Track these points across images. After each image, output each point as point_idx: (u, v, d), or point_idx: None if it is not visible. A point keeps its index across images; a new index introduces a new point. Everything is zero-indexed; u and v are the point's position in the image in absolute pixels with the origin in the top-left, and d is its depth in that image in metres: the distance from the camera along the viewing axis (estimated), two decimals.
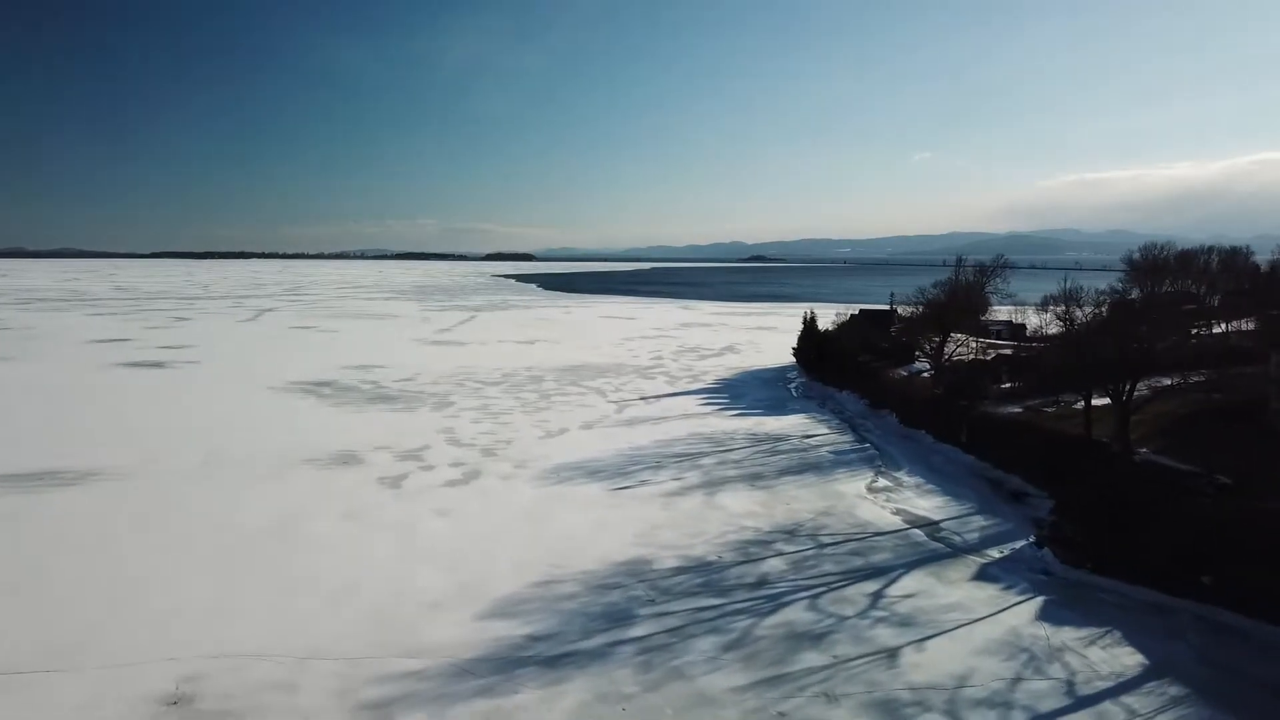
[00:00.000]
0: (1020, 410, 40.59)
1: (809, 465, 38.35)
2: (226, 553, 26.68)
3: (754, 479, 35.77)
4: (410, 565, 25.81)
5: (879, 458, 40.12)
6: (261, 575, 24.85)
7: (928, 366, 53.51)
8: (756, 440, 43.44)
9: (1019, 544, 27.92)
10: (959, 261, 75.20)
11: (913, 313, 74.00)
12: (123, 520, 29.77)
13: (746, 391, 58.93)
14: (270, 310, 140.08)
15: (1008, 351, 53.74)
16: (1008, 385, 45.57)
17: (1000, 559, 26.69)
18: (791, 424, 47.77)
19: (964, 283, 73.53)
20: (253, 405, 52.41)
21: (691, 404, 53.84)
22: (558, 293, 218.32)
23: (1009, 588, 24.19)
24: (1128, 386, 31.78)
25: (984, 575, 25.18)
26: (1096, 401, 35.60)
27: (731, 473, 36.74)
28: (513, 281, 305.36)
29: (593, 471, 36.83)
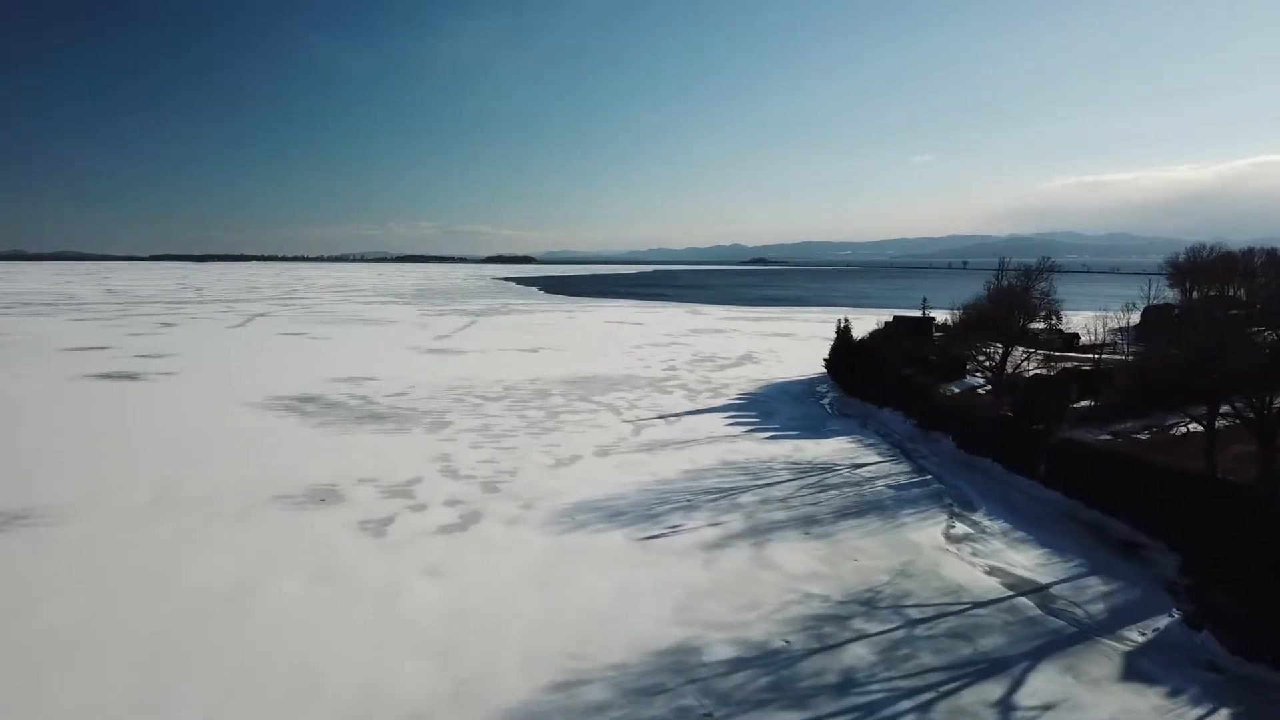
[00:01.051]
0: (1109, 437, 34.92)
1: (868, 504, 32.59)
2: (159, 633, 20.96)
3: (807, 524, 30.02)
4: (390, 653, 20.09)
5: (946, 493, 34.38)
6: (198, 667, 19.14)
7: (983, 382, 47.83)
8: (799, 470, 37.68)
9: (1161, 621, 22.18)
10: (1002, 264, 69.61)
11: (956, 320, 68.58)
12: (37, 585, 24.03)
13: (776, 408, 53.15)
14: (261, 315, 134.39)
15: (1076, 365, 47.99)
16: (1082, 404, 39.92)
17: (1145, 644, 20.94)
18: (835, 449, 41.99)
19: (1010, 287, 68.03)
20: (226, 425, 46.65)
21: (717, 424, 48.10)
22: (560, 296, 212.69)
23: (1176, 693, 18.45)
24: (1269, 406, 25.89)
25: (1135, 672, 19.42)
26: (1194, 427, 30.02)
27: (779, 515, 30.98)
28: (513, 284, 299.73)
29: (614, 513, 31.08)
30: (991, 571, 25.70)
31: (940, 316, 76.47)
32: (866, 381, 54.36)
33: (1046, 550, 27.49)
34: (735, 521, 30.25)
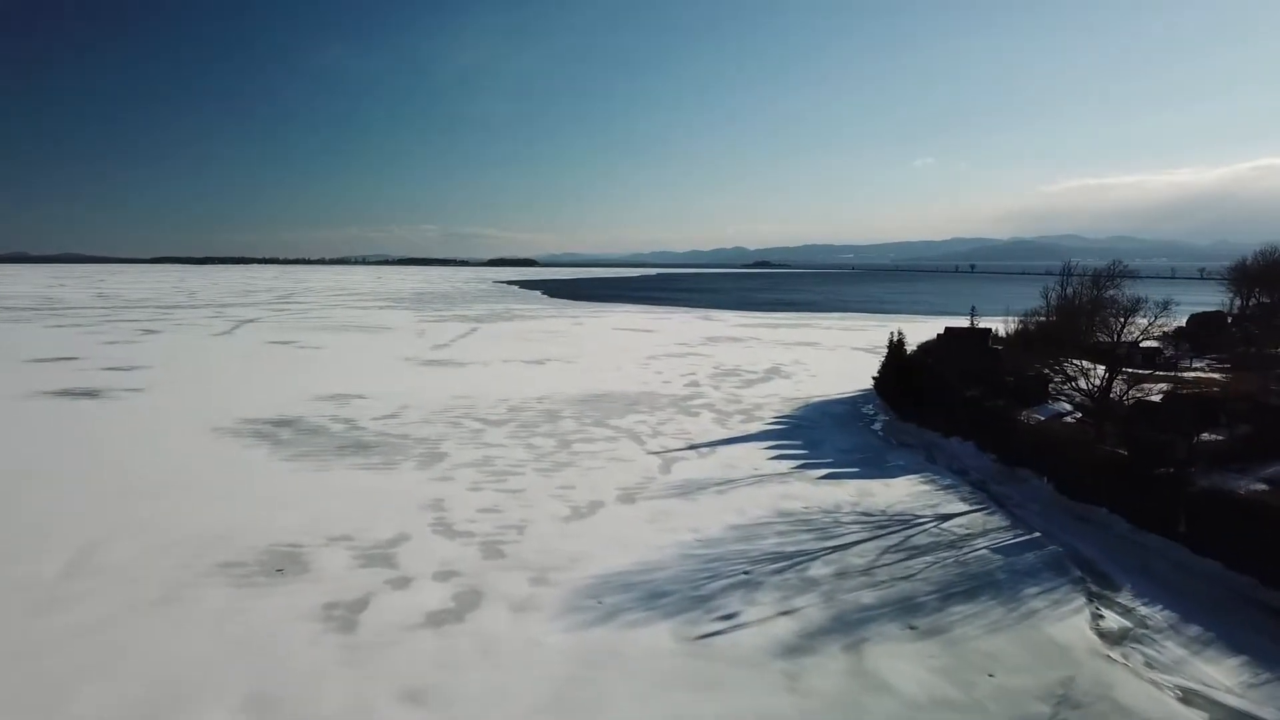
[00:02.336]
0: (1265, 486, 27.83)
1: (975, 577, 25.50)
2: None
3: (907, 610, 22.94)
4: None
5: (1067, 559, 27.27)
6: None
7: (1070, 408, 40.75)
8: (873, 524, 30.59)
9: None
10: (1066, 269, 62.59)
11: (1015, 331, 61.53)
12: None
13: (823, 436, 46.03)
14: (251, 321, 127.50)
15: (1180, 388, 40.88)
16: (1210, 439, 32.87)
17: None
18: (908, 492, 34.90)
19: (1077, 297, 60.97)
20: (183, 459, 39.63)
21: (759, 456, 41.00)
22: (564, 300, 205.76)
23: None
24: None
25: None
26: None
27: (867, 596, 23.90)
28: (516, 288, 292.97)
29: (652, 594, 24.02)
30: (1187, 699, 18.60)
31: (988, 323, 69.49)
32: (926, 405, 47.26)
33: (1244, 659, 20.39)
34: (813, 606, 23.16)
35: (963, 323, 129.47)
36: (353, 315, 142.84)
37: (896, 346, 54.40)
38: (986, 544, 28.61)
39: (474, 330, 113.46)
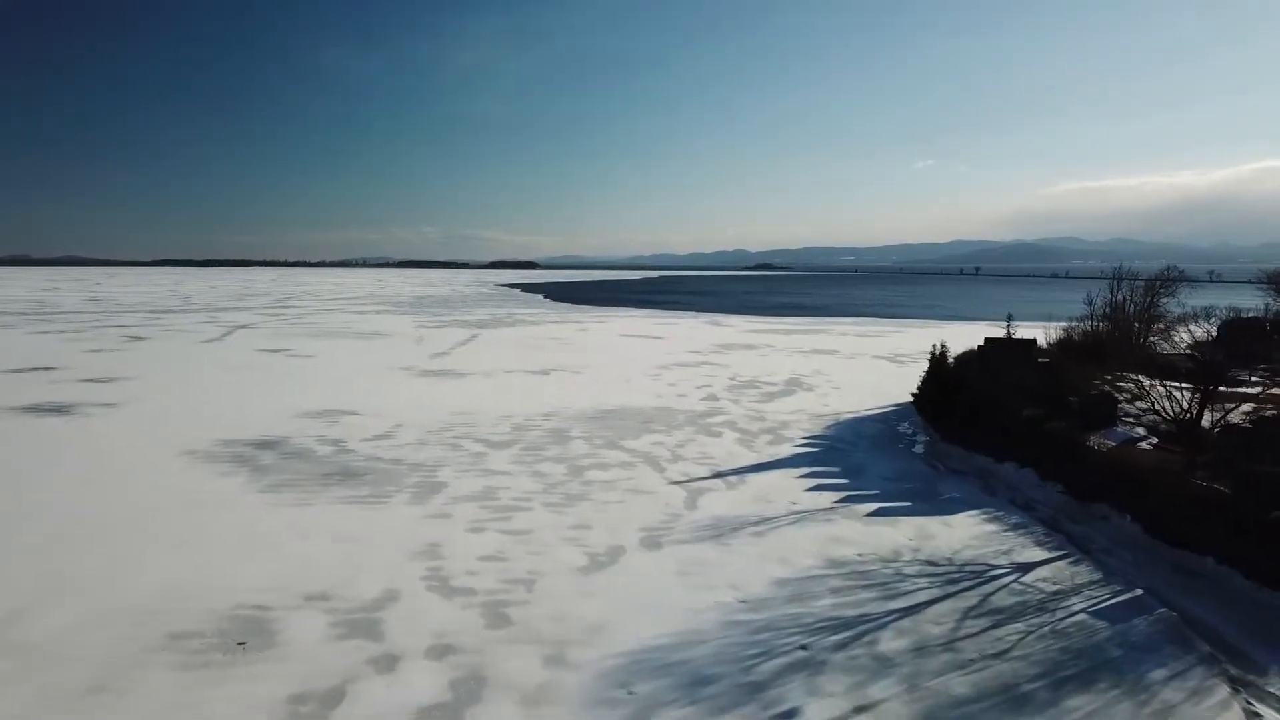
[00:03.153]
0: None
1: (1084, 655, 21.01)
2: None
3: (1013, 705, 18.45)
4: None
5: (1183, 624, 22.80)
6: None
7: (1143, 432, 36.25)
8: (943, 576, 26.10)
9: None
10: (1119, 274, 58.15)
11: (1064, 341, 57.11)
12: None
13: (862, 460, 41.53)
14: (244, 327, 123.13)
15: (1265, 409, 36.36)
16: None
17: None
18: (973, 533, 30.41)
19: (1129, 304, 56.59)
20: (144, 493, 35.18)
21: (794, 485, 36.52)
22: (567, 304, 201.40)
23: None
24: None
25: None
26: None
27: (959, 685, 19.41)
28: (517, 291, 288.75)
29: (692, 680, 19.54)
30: None
31: (1023, 330, 64.92)
32: (975, 425, 42.75)
33: None
34: (894, 700, 18.68)
35: (984, 329, 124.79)
36: (349, 320, 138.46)
37: (938, 360, 49.87)
38: (1083, 605, 24.12)
39: (474, 337, 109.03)
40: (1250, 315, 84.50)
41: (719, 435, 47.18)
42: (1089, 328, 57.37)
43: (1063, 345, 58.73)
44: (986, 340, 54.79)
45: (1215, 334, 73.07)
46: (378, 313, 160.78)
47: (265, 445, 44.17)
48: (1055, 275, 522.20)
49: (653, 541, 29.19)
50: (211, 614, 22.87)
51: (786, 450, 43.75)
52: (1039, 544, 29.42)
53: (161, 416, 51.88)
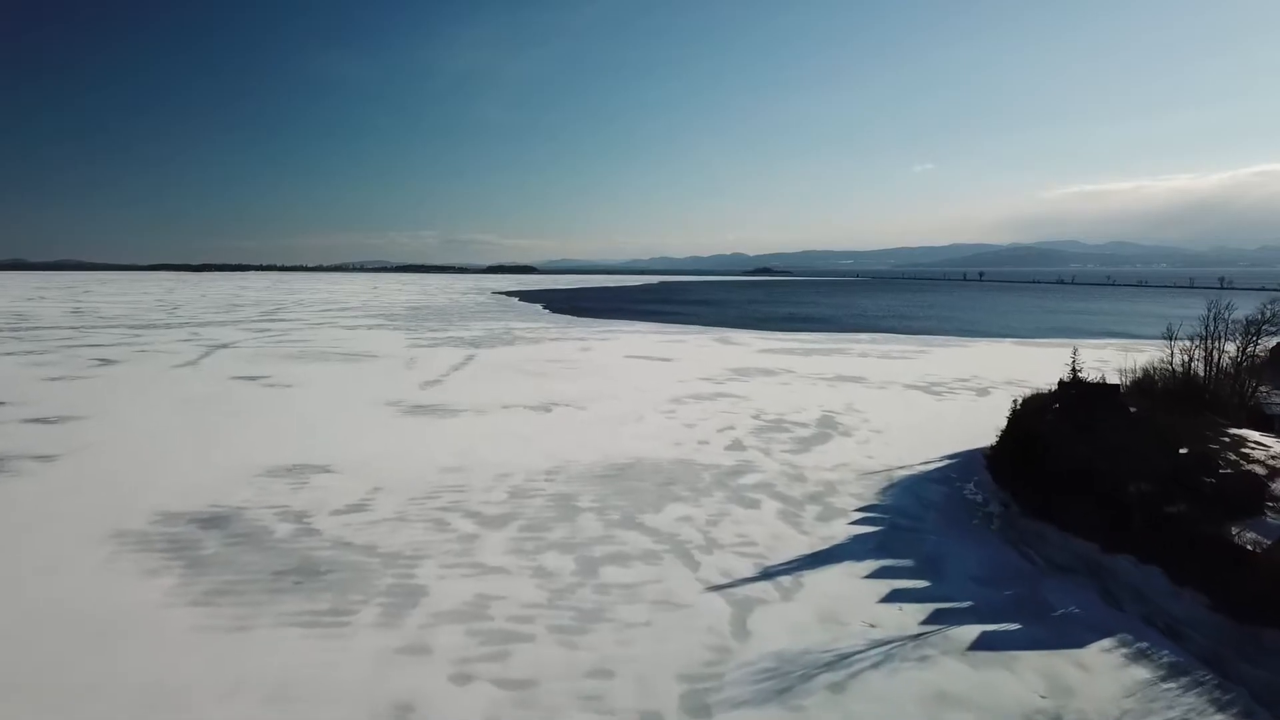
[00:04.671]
0: None
1: None
2: None
3: None
4: None
5: None
6: None
7: None
8: None
9: None
10: (1223, 284, 50.71)
11: (1142, 383, 49.73)
12: None
13: (939, 547, 34.01)
14: (224, 346, 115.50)
15: None
16: None
17: None
18: (1121, 682, 22.89)
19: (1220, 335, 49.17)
20: (31, 608, 27.66)
21: (864, 593, 29.02)
22: (566, 316, 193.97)
23: None
24: None
25: None
26: None
27: None
28: (515, 301, 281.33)
29: None
30: None
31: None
32: (1065, 494, 35.29)
33: None
34: None
35: (1011, 348, 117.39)
36: (337, 338, 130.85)
37: (1019, 420, 42.42)
38: None
39: (470, 359, 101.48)
40: None
41: (756, 505, 39.68)
42: (1173, 366, 49.92)
43: (1140, 386, 51.41)
44: (1062, 383, 47.39)
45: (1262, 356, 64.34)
46: (369, 328, 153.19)
47: (214, 522, 36.66)
48: (1060, 281, 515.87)
49: (699, 707, 21.66)
50: None
51: (841, 529, 36.26)
52: (1214, 703, 21.98)
53: (102, 476, 44.33)
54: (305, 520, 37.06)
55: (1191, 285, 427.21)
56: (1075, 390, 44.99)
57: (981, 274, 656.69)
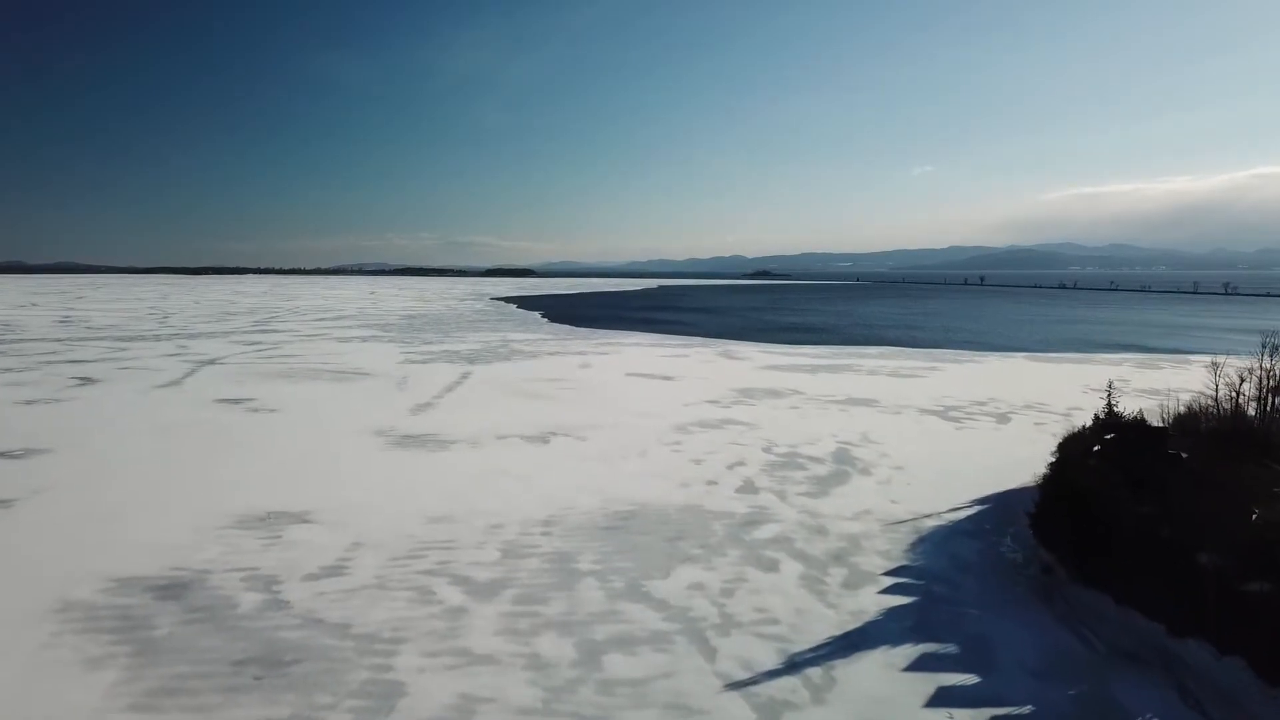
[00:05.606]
0: None
1: None
2: None
3: None
4: None
5: None
6: None
7: None
8: None
9: None
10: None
11: (1194, 415, 45.99)
12: None
13: (983, 626, 30.28)
14: (211, 363, 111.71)
15: None
16: None
17: None
18: None
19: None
20: None
21: (906, 693, 25.30)
22: (566, 326, 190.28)
23: None
24: None
25: None
26: None
27: None
28: (514, 308, 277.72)
29: None
30: None
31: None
32: (1134, 574, 31.59)
33: None
34: None
35: (1024, 363, 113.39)
36: (330, 352, 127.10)
37: (1061, 467, 38.72)
38: None
39: (465, 377, 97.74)
40: None
41: (775, 567, 35.93)
42: (1218, 400, 46.19)
43: (1181, 424, 47.64)
44: (1104, 426, 43.67)
45: None
46: (363, 339, 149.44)
47: (172, 590, 32.94)
48: (1063, 286, 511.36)
49: None
50: None
51: (871, 601, 32.52)
52: None
53: (56, 529, 40.57)
54: (275, 588, 33.33)
55: (1195, 291, 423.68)
56: (1117, 433, 41.27)
57: (983, 278, 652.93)
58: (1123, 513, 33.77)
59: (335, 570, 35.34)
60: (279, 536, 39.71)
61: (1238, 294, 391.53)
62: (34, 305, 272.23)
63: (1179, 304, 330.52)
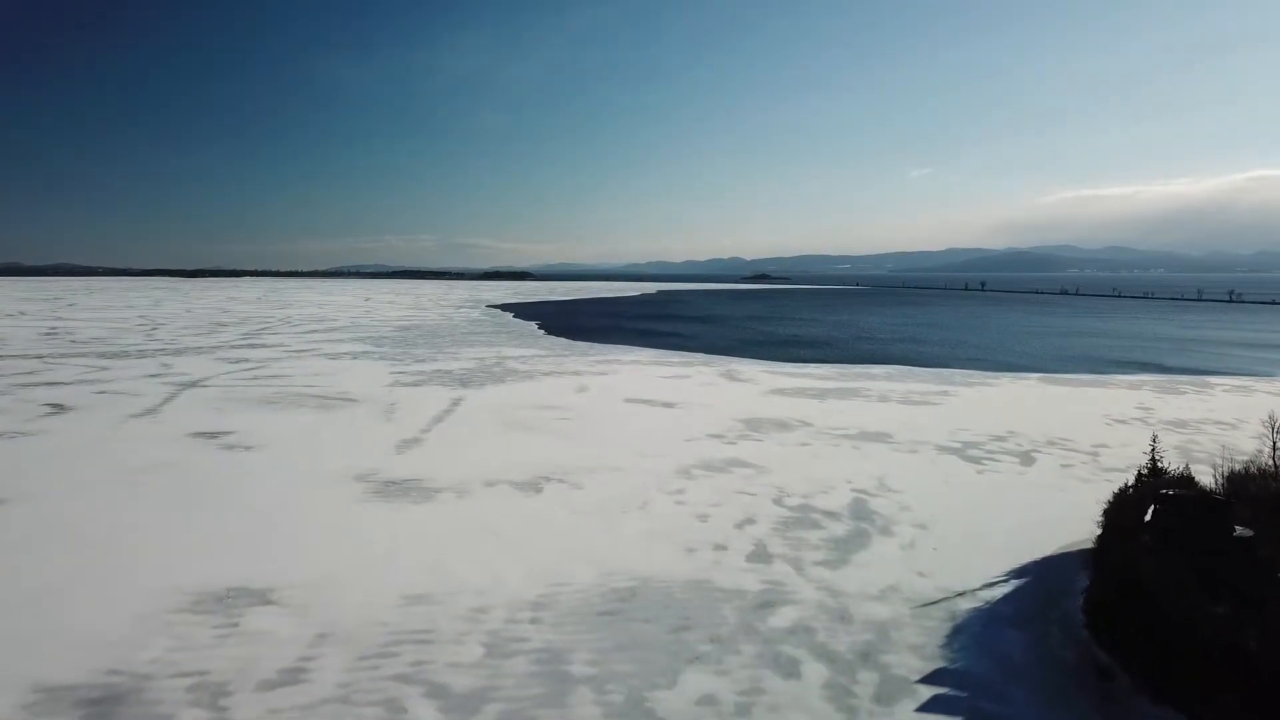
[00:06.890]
0: None
1: None
2: None
3: None
4: None
5: None
6: None
7: None
8: None
9: None
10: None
11: (1247, 476, 41.74)
12: None
13: None
14: (194, 385, 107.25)
15: None
16: None
17: None
18: None
19: None
20: None
21: None
22: (563, 340, 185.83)
23: None
24: None
25: None
26: None
27: None
28: (511, 317, 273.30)
29: None
30: None
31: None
32: (1213, 689, 27.28)
33: None
34: None
35: (1036, 385, 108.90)
36: (318, 372, 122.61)
37: (1112, 552, 34.32)
38: None
39: (456, 404, 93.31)
40: None
41: (795, 672, 31.53)
42: (1275, 460, 41.99)
43: (1234, 484, 43.41)
44: (1153, 491, 39.33)
45: None
46: (353, 357, 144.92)
47: (103, 707, 28.50)
48: (1064, 291, 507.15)
49: None
50: None
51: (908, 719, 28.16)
52: None
53: None
54: (222, 703, 28.91)
55: (1200, 298, 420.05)
56: (1174, 507, 36.91)
57: (983, 284, 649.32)
58: (1195, 615, 29.48)
59: (294, 675, 30.92)
60: (235, 625, 35.31)
61: (1242, 301, 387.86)
62: (22, 314, 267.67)
63: (1184, 312, 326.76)
